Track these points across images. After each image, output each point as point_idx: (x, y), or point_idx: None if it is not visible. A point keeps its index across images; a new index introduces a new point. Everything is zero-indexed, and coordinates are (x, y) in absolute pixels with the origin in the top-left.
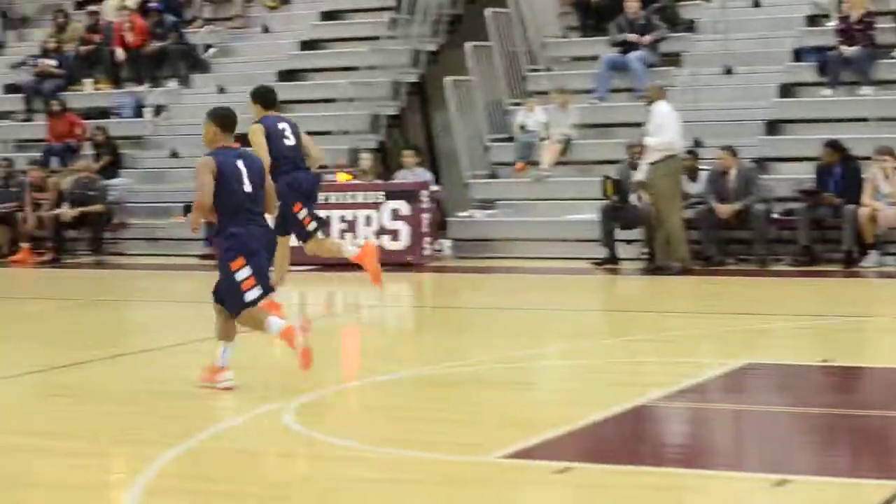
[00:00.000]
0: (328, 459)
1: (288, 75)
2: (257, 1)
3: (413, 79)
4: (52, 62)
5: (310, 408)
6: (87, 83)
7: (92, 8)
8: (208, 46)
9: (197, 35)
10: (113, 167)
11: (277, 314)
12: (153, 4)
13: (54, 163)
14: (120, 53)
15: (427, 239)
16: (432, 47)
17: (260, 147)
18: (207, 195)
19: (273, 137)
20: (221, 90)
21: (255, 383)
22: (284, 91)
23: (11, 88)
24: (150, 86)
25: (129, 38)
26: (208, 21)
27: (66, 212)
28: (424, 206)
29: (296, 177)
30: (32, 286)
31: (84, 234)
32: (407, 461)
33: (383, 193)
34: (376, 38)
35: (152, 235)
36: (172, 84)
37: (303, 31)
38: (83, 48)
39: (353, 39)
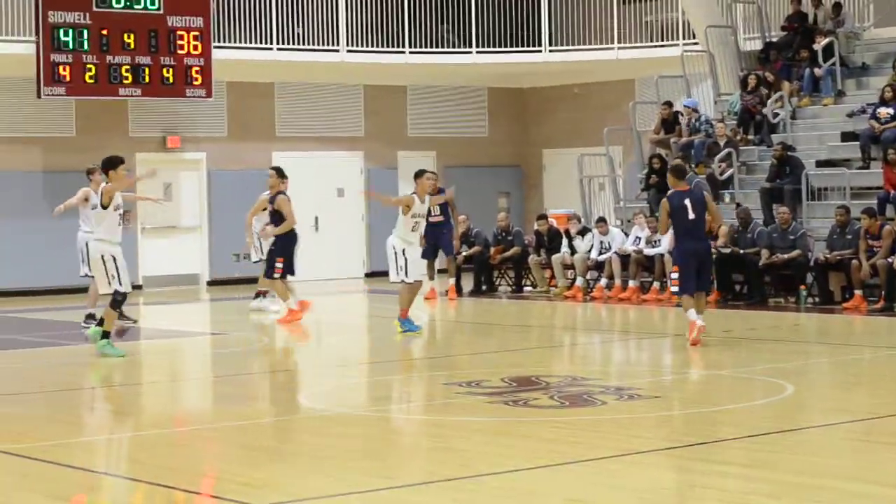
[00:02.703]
0: None
1: None
2: None
3: None
4: (890, 110)
5: None
6: None
7: None
8: None
9: None
10: None
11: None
12: None
13: (889, 211)
14: None
15: None
16: None
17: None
18: (664, 224)
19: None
20: None
21: None
22: None
23: (849, 136)
24: None
25: None
26: None
27: None
28: None
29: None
30: (864, 334)
31: None
32: None
33: None
34: None
35: None
36: None
37: None
38: None
39: None
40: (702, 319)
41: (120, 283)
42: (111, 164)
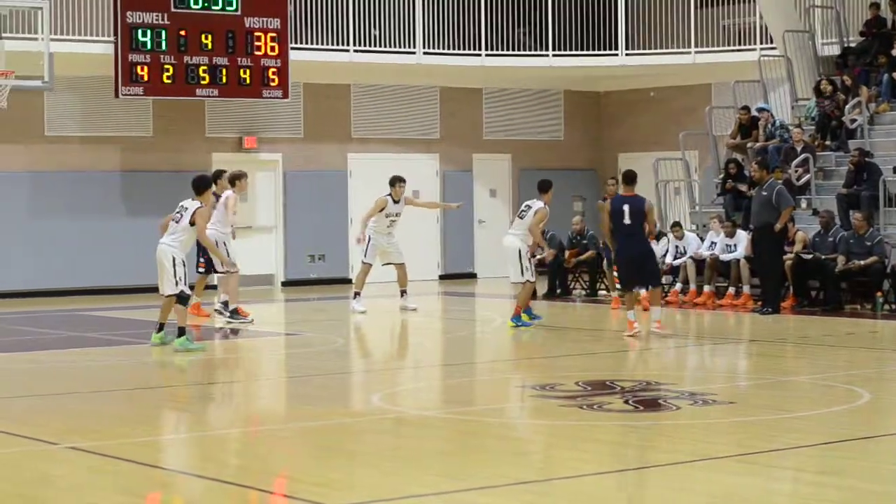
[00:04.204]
0: None
1: None
2: None
3: None
4: None
5: None
6: None
7: None
8: None
9: None
10: None
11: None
12: None
13: None
14: None
15: None
16: None
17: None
18: (604, 224)
19: None
20: None
21: None
22: None
23: None
24: None
25: None
26: None
27: None
28: None
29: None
30: None
31: None
32: None
33: None
34: None
35: None
36: None
37: None
38: None
39: None
40: (659, 313)
41: (185, 285)
42: (208, 183)
